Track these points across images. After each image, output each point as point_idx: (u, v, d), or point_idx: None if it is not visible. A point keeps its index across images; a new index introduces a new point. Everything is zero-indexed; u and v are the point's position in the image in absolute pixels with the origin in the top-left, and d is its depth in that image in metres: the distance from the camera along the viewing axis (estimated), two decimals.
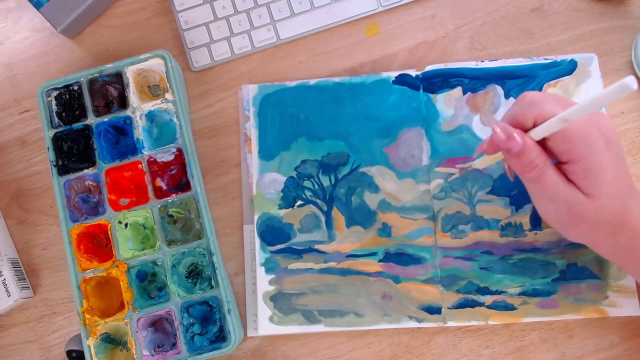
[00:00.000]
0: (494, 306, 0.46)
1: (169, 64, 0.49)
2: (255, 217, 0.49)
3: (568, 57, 0.49)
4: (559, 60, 0.49)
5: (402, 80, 0.49)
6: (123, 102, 0.49)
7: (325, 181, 0.49)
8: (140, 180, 0.48)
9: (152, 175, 0.48)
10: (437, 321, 0.46)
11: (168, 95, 0.49)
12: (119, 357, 0.47)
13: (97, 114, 0.49)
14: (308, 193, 0.49)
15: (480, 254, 0.47)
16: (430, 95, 0.49)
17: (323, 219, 0.49)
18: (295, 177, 0.49)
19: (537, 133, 0.36)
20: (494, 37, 0.51)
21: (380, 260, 0.48)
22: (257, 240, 0.49)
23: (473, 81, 0.49)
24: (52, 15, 0.52)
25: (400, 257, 0.47)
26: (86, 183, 0.49)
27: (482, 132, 0.48)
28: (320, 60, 0.52)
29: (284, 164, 0.49)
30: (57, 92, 0.50)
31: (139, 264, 0.47)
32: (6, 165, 0.53)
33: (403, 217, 0.48)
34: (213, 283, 0.47)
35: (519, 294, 0.46)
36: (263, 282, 0.48)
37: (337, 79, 0.50)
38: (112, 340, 0.47)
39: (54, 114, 0.49)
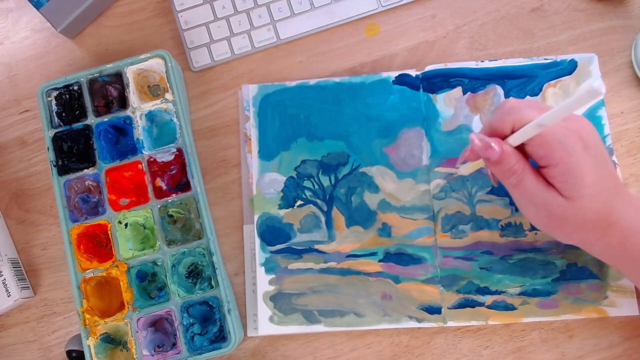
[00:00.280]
0: (494, 306, 0.46)
1: (169, 64, 0.49)
2: (255, 217, 0.49)
3: (568, 57, 0.49)
4: (559, 60, 0.49)
5: (402, 80, 0.49)
6: (123, 102, 0.49)
7: (325, 181, 0.49)
8: (140, 180, 0.48)
9: (152, 175, 0.48)
10: (437, 321, 0.46)
11: (168, 95, 0.49)
12: (119, 357, 0.47)
13: (97, 114, 0.49)
14: (308, 193, 0.49)
15: (480, 254, 0.47)
16: (430, 95, 0.49)
17: (323, 219, 0.49)
18: (295, 177, 0.49)
19: (515, 139, 0.37)
20: (494, 37, 0.51)
21: (380, 260, 0.48)
22: (257, 240, 0.49)
23: (473, 81, 0.49)
24: (52, 15, 0.52)
25: (400, 257, 0.47)
26: (86, 183, 0.49)
27: None
28: (320, 60, 0.52)
29: (284, 164, 0.49)
30: (57, 92, 0.50)
31: (139, 264, 0.47)
32: (6, 165, 0.53)
33: (403, 217, 0.48)
34: (213, 283, 0.47)
35: (519, 294, 0.46)
36: (263, 282, 0.48)
37: (337, 79, 0.50)
38: (112, 340, 0.47)
39: (54, 114, 0.49)
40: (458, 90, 0.49)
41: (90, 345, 0.46)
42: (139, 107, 0.49)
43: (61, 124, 0.49)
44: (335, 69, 0.52)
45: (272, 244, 0.49)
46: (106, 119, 0.49)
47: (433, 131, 0.49)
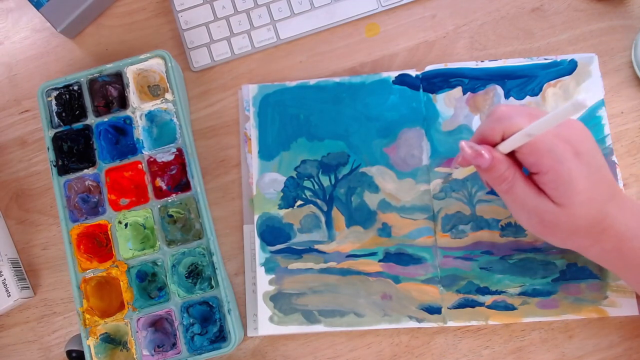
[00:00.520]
0: (494, 306, 0.46)
1: (169, 64, 0.49)
2: (255, 217, 0.49)
3: (568, 57, 0.49)
4: (559, 60, 0.49)
5: (402, 80, 0.49)
6: (123, 102, 0.49)
7: (325, 181, 0.49)
8: (140, 180, 0.48)
9: (152, 175, 0.48)
10: (437, 321, 0.46)
11: (168, 95, 0.49)
12: (119, 357, 0.47)
13: (97, 114, 0.49)
14: (308, 193, 0.49)
15: (480, 254, 0.47)
16: (430, 95, 0.49)
17: (323, 219, 0.49)
18: (295, 177, 0.49)
19: (505, 147, 0.38)
20: (494, 37, 0.51)
21: (380, 260, 0.48)
22: (257, 240, 0.49)
23: (473, 81, 0.49)
24: (52, 15, 0.52)
25: (400, 257, 0.47)
26: (86, 183, 0.49)
27: None
28: (320, 60, 0.52)
29: (284, 164, 0.49)
30: (57, 92, 0.50)
31: (139, 264, 0.47)
32: (6, 165, 0.53)
33: (403, 217, 0.48)
34: (213, 283, 0.47)
35: (519, 294, 0.46)
36: (263, 282, 0.48)
37: (337, 79, 0.50)
38: (112, 340, 0.47)
39: (54, 114, 0.49)
40: (458, 90, 0.49)
41: (90, 345, 0.46)
42: (139, 107, 0.49)
43: (61, 124, 0.49)
44: (335, 69, 0.52)
45: (272, 244, 0.49)
46: (106, 119, 0.49)
47: (433, 131, 0.49)
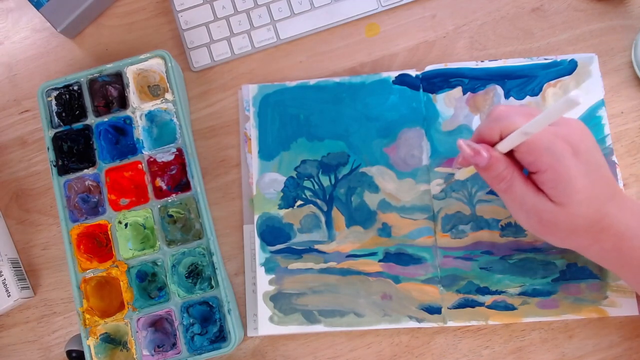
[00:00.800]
0: (494, 306, 0.46)
1: (169, 64, 0.49)
2: (255, 217, 0.49)
3: (568, 57, 0.49)
4: (559, 60, 0.49)
5: (402, 80, 0.49)
6: (123, 102, 0.49)
7: (325, 181, 0.49)
8: (140, 180, 0.48)
9: (152, 175, 0.48)
10: (437, 321, 0.46)
11: (168, 95, 0.49)
12: (119, 357, 0.47)
13: (97, 114, 0.49)
14: (308, 193, 0.49)
15: (480, 254, 0.47)
16: (430, 95, 0.49)
17: (323, 219, 0.49)
18: (295, 177, 0.49)
19: (503, 146, 0.38)
20: (494, 37, 0.51)
21: (380, 260, 0.48)
22: (257, 240, 0.49)
23: (473, 81, 0.49)
24: (52, 15, 0.52)
25: (400, 257, 0.47)
26: (86, 183, 0.49)
27: None
28: (320, 60, 0.52)
29: (284, 164, 0.49)
30: (57, 92, 0.50)
31: (139, 264, 0.47)
32: (6, 165, 0.53)
33: (403, 217, 0.48)
34: (213, 283, 0.47)
35: (519, 294, 0.46)
36: (263, 282, 0.48)
37: (337, 79, 0.50)
38: (112, 340, 0.47)
39: (54, 114, 0.49)
40: (458, 90, 0.49)
41: (90, 345, 0.46)
42: (139, 107, 0.49)
43: (61, 124, 0.49)
44: (335, 69, 0.52)
45: (272, 244, 0.49)
46: (106, 119, 0.49)
47: (433, 131, 0.49)
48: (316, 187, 0.49)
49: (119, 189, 0.49)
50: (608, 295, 0.46)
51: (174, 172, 0.49)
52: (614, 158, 0.47)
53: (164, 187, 0.49)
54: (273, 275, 0.48)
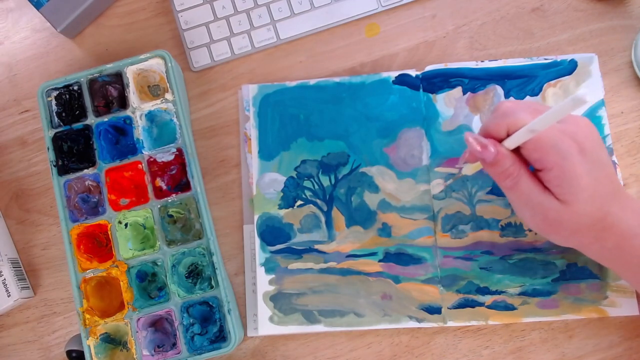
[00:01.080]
0: (494, 306, 0.46)
1: (169, 64, 0.49)
2: (255, 217, 0.49)
3: (568, 57, 0.49)
4: (559, 60, 0.49)
5: (402, 80, 0.49)
6: (123, 102, 0.49)
7: (325, 181, 0.49)
8: (140, 180, 0.48)
9: (152, 175, 0.48)
10: (437, 321, 0.46)
11: (168, 95, 0.49)
12: (119, 357, 0.47)
13: (97, 114, 0.49)
14: (308, 193, 0.49)
15: (480, 254, 0.47)
16: (430, 95, 0.49)
17: (323, 219, 0.49)
18: (295, 177, 0.49)
19: (510, 143, 0.38)
20: (494, 37, 0.51)
21: (380, 260, 0.48)
22: (257, 240, 0.49)
23: (473, 81, 0.49)
24: (52, 15, 0.52)
25: (400, 257, 0.47)
26: (86, 183, 0.49)
27: None
28: (320, 60, 0.52)
29: (284, 164, 0.49)
30: (57, 92, 0.50)
31: (139, 264, 0.47)
32: (6, 165, 0.53)
33: (403, 217, 0.48)
34: (213, 283, 0.47)
35: (519, 294, 0.46)
36: (263, 282, 0.48)
37: (337, 79, 0.50)
38: (112, 340, 0.47)
39: (54, 114, 0.49)
40: (458, 90, 0.49)
41: (90, 345, 0.46)
42: (139, 107, 0.49)
43: (61, 124, 0.49)
44: (335, 69, 0.52)
45: (272, 244, 0.49)
46: (106, 119, 0.49)
47: (433, 131, 0.49)
48: (316, 187, 0.49)
49: (119, 189, 0.49)
50: (608, 295, 0.46)
51: (174, 172, 0.49)
52: (614, 158, 0.47)
53: (164, 187, 0.49)
54: (273, 275, 0.48)
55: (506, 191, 0.40)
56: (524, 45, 0.51)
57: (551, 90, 0.48)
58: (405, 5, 0.52)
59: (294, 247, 0.48)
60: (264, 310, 0.48)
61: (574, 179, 0.36)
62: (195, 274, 0.48)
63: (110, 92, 0.50)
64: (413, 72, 0.49)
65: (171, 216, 0.49)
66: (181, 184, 0.49)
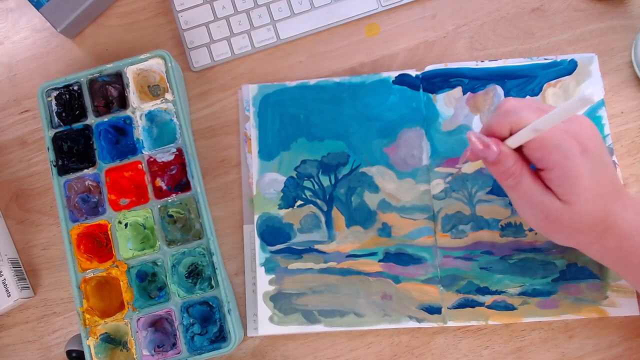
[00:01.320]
0: (494, 306, 0.46)
1: (169, 64, 0.49)
2: (255, 217, 0.49)
3: (568, 57, 0.49)
4: (559, 60, 0.49)
5: (402, 80, 0.49)
6: (123, 102, 0.49)
7: (325, 181, 0.49)
8: (140, 180, 0.48)
9: (152, 175, 0.48)
10: (437, 321, 0.46)
11: (168, 95, 0.49)
12: (119, 357, 0.47)
13: (97, 114, 0.49)
14: (308, 193, 0.49)
15: (480, 254, 0.47)
16: (430, 95, 0.49)
17: (323, 219, 0.49)
18: (295, 177, 0.49)
19: (512, 142, 0.37)
20: (494, 37, 0.51)
21: (380, 260, 0.48)
22: (257, 240, 0.49)
23: (473, 81, 0.49)
24: (52, 15, 0.52)
25: (400, 257, 0.47)
26: (86, 183, 0.49)
27: None
28: (320, 60, 0.52)
29: (284, 164, 0.49)
30: (57, 92, 0.50)
31: (139, 264, 0.47)
32: (6, 165, 0.53)
33: (403, 217, 0.48)
34: (213, 283, 0.47)
35: (519, 294, 0.46)
36: (263, 282, 0.48)
37: (337, 79, 0.50)
38: (112, 340, 0.47)
39: (54, 114, 0.49)
40: (458, 90, 0.49)
41: (90, 345, 0.46)
42: (139, 107, 0.49)
43: (61, 124, 0.49)
44: (335, 69, 0.52)
45: (272, 244, 0.49)
46: (106, 119, 0.49)
47: (433, 131, 0.49)
48: (316, 187, 0.49)
49: (119, 189, 0.49)
50: (608, 295, 0.46)
51: (174, 172, 0.49)
52: (614, 158, 0.47)
53: (164, 187, 0.49)
54: (273, 275, 0.48)
55: (508, 190, 0.40)
56: (524, 45, 0.51)
57: (551, 90, 0.48)
58: (405, 5, 0.52)
59: (294, 247, 0.48)
60: (264, 310, 0.48)
61: (576, 179, 0.36)
62: (195, 274, 0.48)
63: (110, 92, 0.50)
64: (413, 72, 0.49)
65: (171, 216, 0.49)
66: (181, 184, 0.49)
